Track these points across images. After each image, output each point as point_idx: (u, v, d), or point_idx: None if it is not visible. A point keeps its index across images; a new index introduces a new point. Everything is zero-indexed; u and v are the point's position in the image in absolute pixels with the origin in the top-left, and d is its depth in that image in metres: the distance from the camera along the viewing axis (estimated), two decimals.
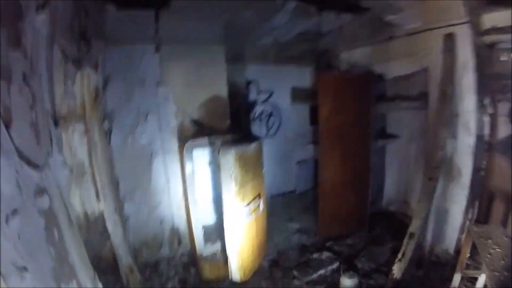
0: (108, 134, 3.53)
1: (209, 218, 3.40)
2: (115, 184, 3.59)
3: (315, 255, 3.86)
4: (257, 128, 5.47)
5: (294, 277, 3.51)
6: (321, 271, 3.51)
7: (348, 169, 4.33)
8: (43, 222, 1.61)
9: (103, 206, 3.35)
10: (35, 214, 1.55)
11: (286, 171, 5.80)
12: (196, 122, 3.93)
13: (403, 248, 2.99)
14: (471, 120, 3.09)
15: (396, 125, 4.68)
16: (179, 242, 4.27)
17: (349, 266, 3.55)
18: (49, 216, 1.68)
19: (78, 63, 2.84)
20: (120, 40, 3.55)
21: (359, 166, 4.42)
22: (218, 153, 2.87)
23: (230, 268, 3.06)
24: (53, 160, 1.87)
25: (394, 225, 4.40)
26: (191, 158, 3.21)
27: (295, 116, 5.74)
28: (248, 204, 3.00)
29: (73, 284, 1.75)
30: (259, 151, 3.31)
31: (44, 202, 1.65)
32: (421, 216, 3.04)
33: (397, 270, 2.93)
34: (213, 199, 3.39)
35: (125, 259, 3.49)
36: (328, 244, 4.15)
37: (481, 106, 3.08)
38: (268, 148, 5.48)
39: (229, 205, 2.89)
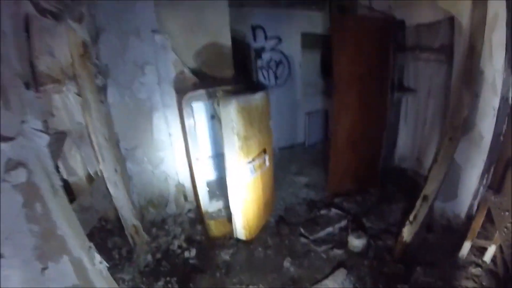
0: (102, 91, 3.26)
1: (213, 174, 3.25)
2: (113, 143, 3.42)
3: (323, 212, 3.76)
4: (264, 77, 5.10)
5: (300, 234, 3.45)
6: (329, 229, 3.43)
7: (363, 122, 4.03)
8: (20, 198, 1.45)
9: (103, 168, 3.23)
10: (9, 191, 1.39)
11: (295, 122, 5.56)
12: (196, 72, 3.61)
13: (415, 211, 2.83)
14: (498, 80, 2.72)
15: (414, 78, 4.26)
16: (185, 199, 4.23)
17: (357, 225, 3.45)
18: (29, 190, 1.52)
19: (57, 17, 2.49)
20: None
21: (374, 120, 4.12)
22: (218, 104, 2.60)
23: (235, 226, 2.99)
24: (29, 127, 1.66)
25: (406, 183, 4.23)
26: (190, 111, 2.96)
27: (305, 64, 5.31)
28: (253, 160, 2.81)
29: (64, 259, 1.64)
30: (265, 101, 3.01)
31: (19, 175, 1.47)
32: (438, 178, 2.80)
33: (407, 233, 2.81)
34: (216, 154, 3.22)
35: (129, 219, 3.46)
36: (336, 200, 4.04)
37: (510, 66, 2.69)
38: (276, 98, 5.23)
39: (231, 162, 2.71)
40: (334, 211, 3.71)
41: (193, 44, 3.61)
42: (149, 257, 3.44)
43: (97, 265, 2.15)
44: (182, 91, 3.39)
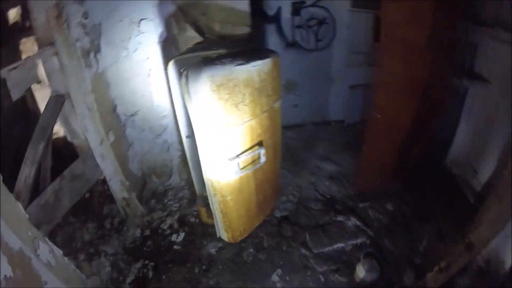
0: (91, 53, 2.84)
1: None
2: (105, 110, 3.08)
3: (340, 218, 3.09)
4: (302, 38, 4.22)
5: (303, 243, 2.86)
6: (340, 244, 2.79)
7: (412, 106, 3.06)
8: None
9: (88, 138, 2.93)
10: None
11: (335, 96, 4.66)
12: (200, 29, 2.96)
13: (450, 258, 1.98)
14: None
15: (488, 65, 2.97)
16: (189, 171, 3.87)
17: (376, 246, 2.72)
18: None
19: None
20: None
21: (428, 107, 3.11)
22: (185, 78, 1.91)
23: (217, 226, 2.50)
24: None
25: (452, 194, 3.23)
26: (178, 80, 2.33)
27: (354, 26, 4.23)
28: (238, 156, 2.16)
29: None
30: (269, 74, 2.18)
31: None
32: (496, 223, 1.77)
33: (432, 281, 2.02)
34: None
35: (118, 192, 3.21)
36: (361, 205, 3.28)
37: None
38: (315, 65, 4.41)
39: (205, 157, 2.13)
40: (353, 221, 3.00)
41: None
42: (138, 232, 3.22)
43: (42, 256, 1.88)
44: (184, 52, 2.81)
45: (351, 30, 4.25)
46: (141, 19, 2.97)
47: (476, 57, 2.98)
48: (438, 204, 3.09)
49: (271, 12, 3.97)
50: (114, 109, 3.26)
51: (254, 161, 2.26)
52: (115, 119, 3.29)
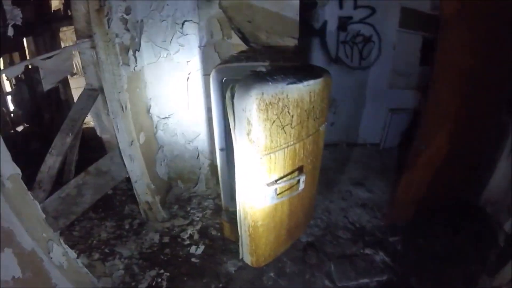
0: (130, 50, 2.78)
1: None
2: (139, 110, 3.03)
3: (368, 251, 2.86)
4: (346, 55, 4.06)
5: (327, 273, 2.67)
6: (365, 280, 2.56)
7: (459, 143, 2.84)
8: None
9: (118, 138, 2.88)
10: None
11: (374, 117, 4.44)
12: (244, 37, 2.85)
13: None
14: None
15: None
16: (218, 181, 3.76)
17: (403, 284, 2.50)
18: None
19: None
20: None
21: (474, 142, 2.89)
22: (231, 92, 1.78)
23: (241, 249, 2.34)
24: None
25: (485, 235, 2.98)
26: (218, 89, 2.22)
27: (401, 47, 4.02)
28: (277, 181, 1.99)
29: (5, 252, 1.42)
30: (320, 95, 2.02)
31: None
32: None
33: None
34: None
35: (142, 195, 3.14)
36: (392, 239, 3.04)
37: None
38: (356, 83, 4.25)
39: (241, 180, 1.97)
40: (381, 255, 2.77)
41: (250, 5, 2.81)
42: (157, 238, 3.12)
43: (54, 258, 1.82)
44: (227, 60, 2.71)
45: (397, 50, 4.05)
46: (185, 21, 2.90)
47: None
48: (470, 244, 2.85)
49: (317, 25, 3.83)
50: (148, 109, 3.21)
51: (292, 187, 2.09)
52: (148, 120, 3.24)
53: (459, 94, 2.62)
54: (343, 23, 3.87)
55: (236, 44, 2.86)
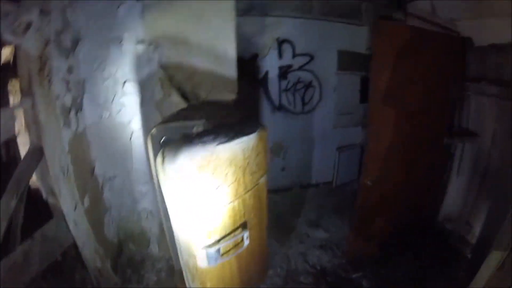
0: (72, 110, 2.72)
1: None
2: (83, 171, 2.89)
3: None
4: (289, 102, 4.25)
5: None
6: None
7: (404, 172, 3.01)
8: None
9: (61, 202, 2.71)
10: None
11: (323, 157, 4.60)
12: (185, 95, 2.90)
13: None
14: None
15: (475, 118, 3.11)
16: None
17: None
18: None
19: None
20: None
21: (420, 170, 3.08)
22: (161, 157, 1.74)
23: None
24: None
25: (448, 251, 3.12)
26: (157, 150, 2.17)
27: (341, 88, 4.34)
28: (218, 241, 1.95)
29: None
30: (255, 149, 2.03)
31: None
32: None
33: None
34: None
35: (91, 260, 2.91)
36: (354, 275, 3.04)
37: None
38: (302, 127, 4.40)
39: (181, 243, 1.91)
40: None
41: (187, 59, 2.92)
42: None
43: None
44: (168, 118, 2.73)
45: (337, 92, 4.34)
46: (126, 80, 2.92)
47: (462, 113, 3.07)
48: (435, 262, 2.95)
49: (260, 75, 4.02)
50: (92, 170, 3.07)
51: (237, 245, 2.05)
52: (93, 182, 3.08)
53: (398, 126, 2.81)
54: (284, 72, 4.11)
55: (177, 102, 2.90)
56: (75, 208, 2.73)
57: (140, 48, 2.87)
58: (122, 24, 2.80)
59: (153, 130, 2.21)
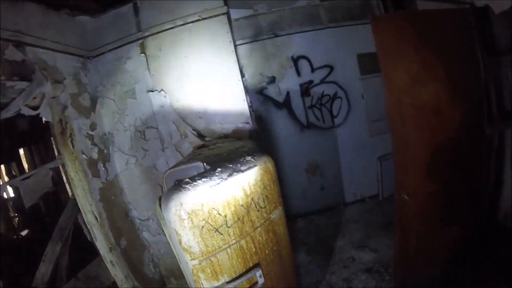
0: (99, 162, 2.95)
1: None
2: (117, 215, 3.09)
3: None
4: (318, 118, 4.09)
5: None
6: None
7: (443, 177, 2.62)
8: None
9: (97, 246, 2.91)
10: None
11: (365, 169, 4.26)
12: (199, 133, 2.96)
13: None
14: None
15: None
16: None
17: None
18: None
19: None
20: (98, 49, 2.88)
21: (463, 170, 2.66)
22: (159, 205, 1.80)
23: None
24: None
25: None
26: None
27: (369, 93, 4.04)
28: (230, 282, 1.87)
29: None
30: (260, 183, 1.97)
31: None
32: None
33: None
34: None
35: None
36: None
37: None
38: (336, 142, 4.19)
39: (194, 285, 1.87)
40: None
41: (198, 100, 2.99)
42: None
43: None
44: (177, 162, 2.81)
45: (366, 98, 4.05)
46: (146, 127, 3.08)
47: (504, 92, 2.61)
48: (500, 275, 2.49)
49: (281, 98, 3.94)
50: (127, 214, 3.27)
51: (252, 286, 1.95)
52: (129, 224, 3.28)
53: (423, 127, 2.48)
54: (306, 89, 3.97)
55: (193, 141, 2.98)
56: (110, 250, 2.91)
57: (152, 96, 3.02)
58: (132, 78, 3.00)
59: (166, 174, 2.28)
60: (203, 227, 1.73)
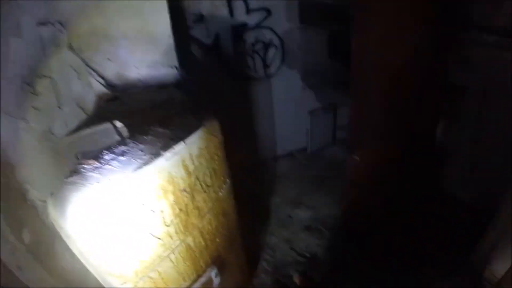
0: None
1: None
2: (4, 210, 2.25)
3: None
4: (249, 67, 3.63)
5: None
6: None
7: (398, 139, 2.61)
8: None
9: None
10: None
11: (295, 123, 4.12)
12: (110, 82, 2.24)
13: None
14: None
15: (467, 71, 2.67)
16: None
17: None
18: None
19: None
20: None
21: (416, 136, 2.70)
22: (52, 209, 1.16)
23: None
24: None
25: (463, 226, 2.84)
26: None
27: (306, 46, 3.72)
28: None
29: None
30: (206, 151, 1.46)
31: None
32: None
33: None
34: None
35: None
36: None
37: None
38: (267, 93, 3.85)
39: None
40: None
41: (106, 35, 2.20)
42: None
43: None
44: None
45: (303, 49, 3.73)
46: (35, 77, 2.20)
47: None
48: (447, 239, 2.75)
49: (209, 41, 3.32)
50: (25, 197, 2.44)
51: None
52: (30, 209, 2.45)
53: (384, 89, 2.33)
54: (239, 33, 3.42)
55: (101, 92, 2.23)
56: (13, 252, 2.15)
57: (43, 30, 2.11)
58: (20, 5, 2.01)
59: (65, 143, 1.61)
60: (129, 234, 1.19)
